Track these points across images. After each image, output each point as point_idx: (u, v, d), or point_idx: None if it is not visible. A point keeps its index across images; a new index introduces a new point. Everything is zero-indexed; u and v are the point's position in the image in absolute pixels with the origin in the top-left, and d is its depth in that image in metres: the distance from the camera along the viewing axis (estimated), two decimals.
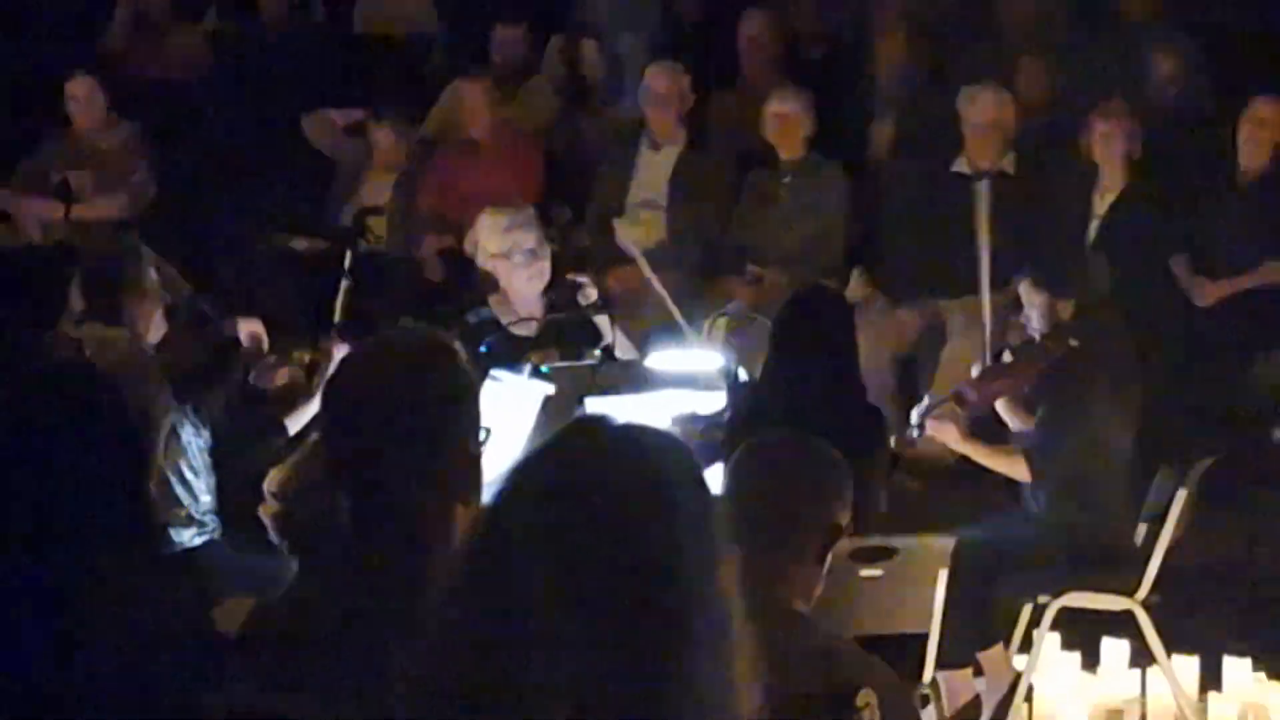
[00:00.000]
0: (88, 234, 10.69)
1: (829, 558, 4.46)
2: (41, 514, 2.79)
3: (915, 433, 8.02)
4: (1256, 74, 10.84)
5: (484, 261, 8.46)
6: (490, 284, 8.41)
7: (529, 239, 8.42)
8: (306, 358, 7.98)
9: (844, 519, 4.49)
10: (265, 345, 8.03)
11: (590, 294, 8.57)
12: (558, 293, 8.46)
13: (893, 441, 7.71)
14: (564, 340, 8.10)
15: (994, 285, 8.77)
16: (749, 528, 4.22)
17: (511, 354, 7.76)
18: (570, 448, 2.77)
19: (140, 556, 2.82)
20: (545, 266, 8.47)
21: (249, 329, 8.04)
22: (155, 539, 2.87)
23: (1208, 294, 10.02)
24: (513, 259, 8.33)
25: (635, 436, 2.79)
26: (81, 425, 2.81)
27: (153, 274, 7.73)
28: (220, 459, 7.70)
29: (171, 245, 10.44)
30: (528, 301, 8.39)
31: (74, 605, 2.76)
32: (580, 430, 2.85)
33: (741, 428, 6.83)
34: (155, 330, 7.68)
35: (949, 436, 8.08)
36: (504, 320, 8.29)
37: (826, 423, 6.48)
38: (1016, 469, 8.08)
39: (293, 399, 7.78)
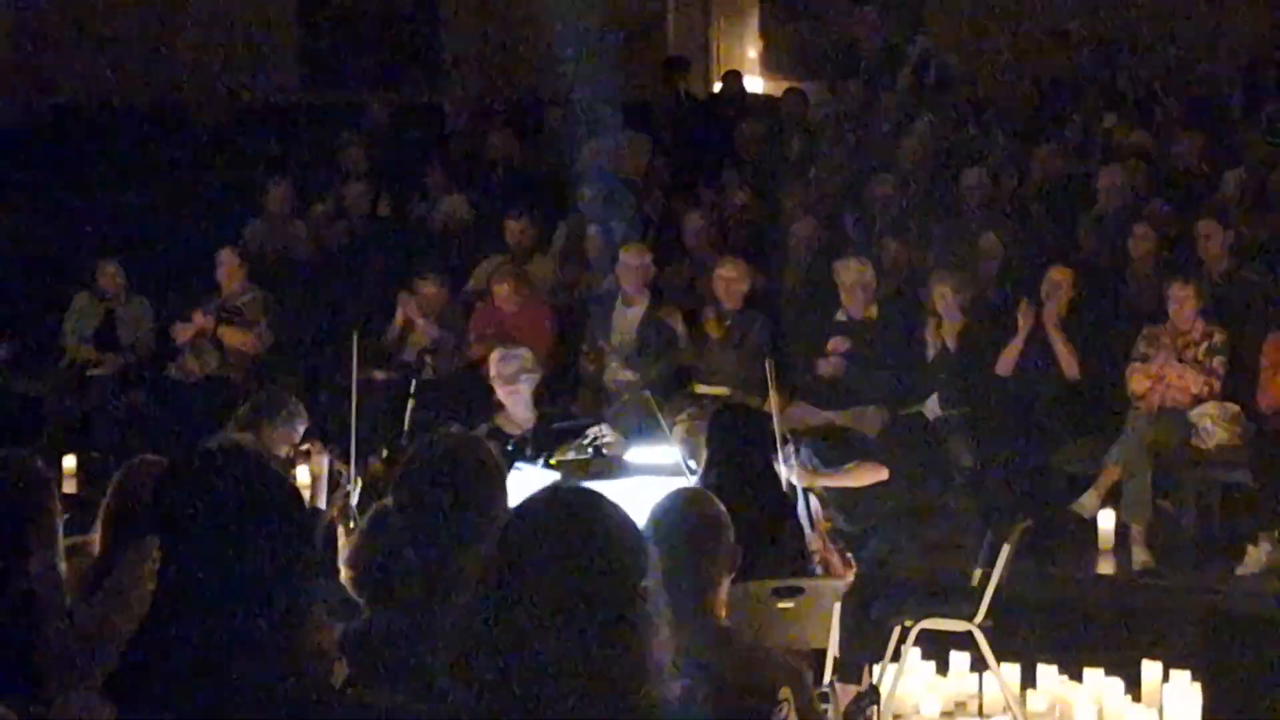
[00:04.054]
0: (238, 371, 10.73)
1: (731, 578, 4.46)
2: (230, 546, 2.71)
3: None
4: (1052, 248, 10.95)
5: (493, 380, 8.40)
6: (498, 405, 8.36)
7: (515, 374, 8.34)
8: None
9: (734, 545, 4.48)
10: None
11: (608, 440, 8.43)
12: (587, 437, 8.21)
13: None
14: (551, 444, 8.08)
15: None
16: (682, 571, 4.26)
17: (509, 456, 7.73)
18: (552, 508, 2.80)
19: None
20: (528, 395, 8.36)
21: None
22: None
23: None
24: (506, 387, 8.29)
25: (593, 501, 2.82)
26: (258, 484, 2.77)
27: (293, 412, 7.60)
28: None
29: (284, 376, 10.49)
30: (520, 418, 8.31)
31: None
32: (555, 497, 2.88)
33: None
34: (284, 451, 7.57)
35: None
36: (505, 430, 8.26)
37: (749, 505, 6.47)
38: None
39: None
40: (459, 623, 2.73)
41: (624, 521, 2.78)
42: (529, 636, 2.63)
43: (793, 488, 7.50)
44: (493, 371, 8.41)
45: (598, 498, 2.81)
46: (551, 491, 2.88)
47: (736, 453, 7.15)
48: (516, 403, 8.27)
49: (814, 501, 7.58)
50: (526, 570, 2.67)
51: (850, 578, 7.83)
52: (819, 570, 7.63)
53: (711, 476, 7.10)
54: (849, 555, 7.53)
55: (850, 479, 8.22)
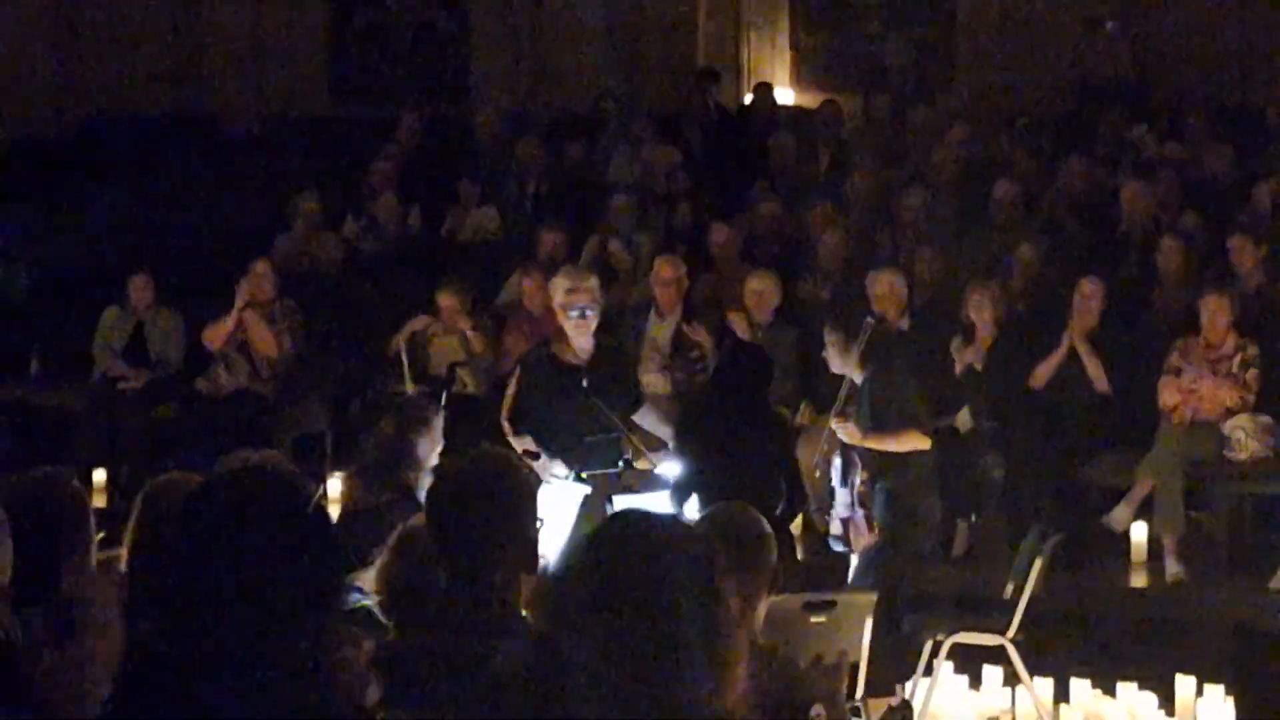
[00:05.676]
0: (266, 384, 10.72)
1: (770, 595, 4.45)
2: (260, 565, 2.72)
3: None
4: (1086, 260, 10.91)
5: (555, 302, 8.29)
6: (557, 333, 8.27)
7: (583, 300, 8.17)
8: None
9: (775, 562, 4.46)
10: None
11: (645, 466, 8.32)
12: (628, 471, 7.88)
13: None
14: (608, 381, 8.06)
15: None
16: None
17: (561, 378, 7.74)
18: (611, 536, 2.84)
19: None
20: (593, 322, 8.19)
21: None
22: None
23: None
24: (569, 313, 8.14)
25: (657, 524, 2.86)
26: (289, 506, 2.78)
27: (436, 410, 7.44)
28: None
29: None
30: (579, 346, 8.20)
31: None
32: (618, 521, 2.91)
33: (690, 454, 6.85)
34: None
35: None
36: (561, 356, 8.16)
37: (738, 437, 6.36)
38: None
39: None
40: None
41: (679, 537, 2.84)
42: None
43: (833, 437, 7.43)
44: (557, 299, 8.23)
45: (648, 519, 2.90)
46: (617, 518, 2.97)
47: (735, 385, 7.12)
48: (579, 332, 8.12)
49: (853, 457, 7.55)
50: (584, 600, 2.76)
51: (872, 540, 7.84)
52: (837, 531, 7.62)
53: (707, 401, 7.02)
54: (874, 520, 7.53)
55: (894, 443, 8.15)
